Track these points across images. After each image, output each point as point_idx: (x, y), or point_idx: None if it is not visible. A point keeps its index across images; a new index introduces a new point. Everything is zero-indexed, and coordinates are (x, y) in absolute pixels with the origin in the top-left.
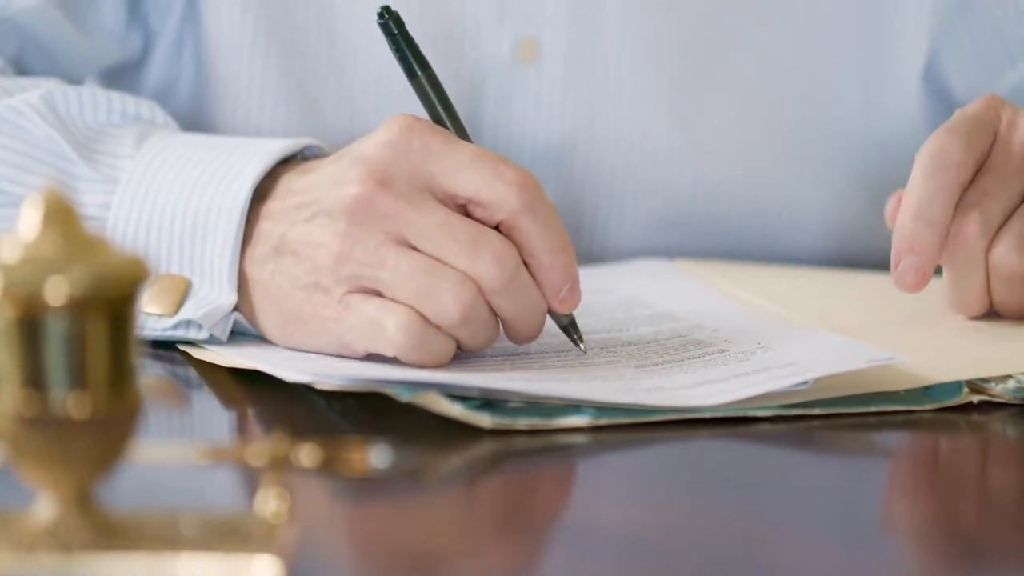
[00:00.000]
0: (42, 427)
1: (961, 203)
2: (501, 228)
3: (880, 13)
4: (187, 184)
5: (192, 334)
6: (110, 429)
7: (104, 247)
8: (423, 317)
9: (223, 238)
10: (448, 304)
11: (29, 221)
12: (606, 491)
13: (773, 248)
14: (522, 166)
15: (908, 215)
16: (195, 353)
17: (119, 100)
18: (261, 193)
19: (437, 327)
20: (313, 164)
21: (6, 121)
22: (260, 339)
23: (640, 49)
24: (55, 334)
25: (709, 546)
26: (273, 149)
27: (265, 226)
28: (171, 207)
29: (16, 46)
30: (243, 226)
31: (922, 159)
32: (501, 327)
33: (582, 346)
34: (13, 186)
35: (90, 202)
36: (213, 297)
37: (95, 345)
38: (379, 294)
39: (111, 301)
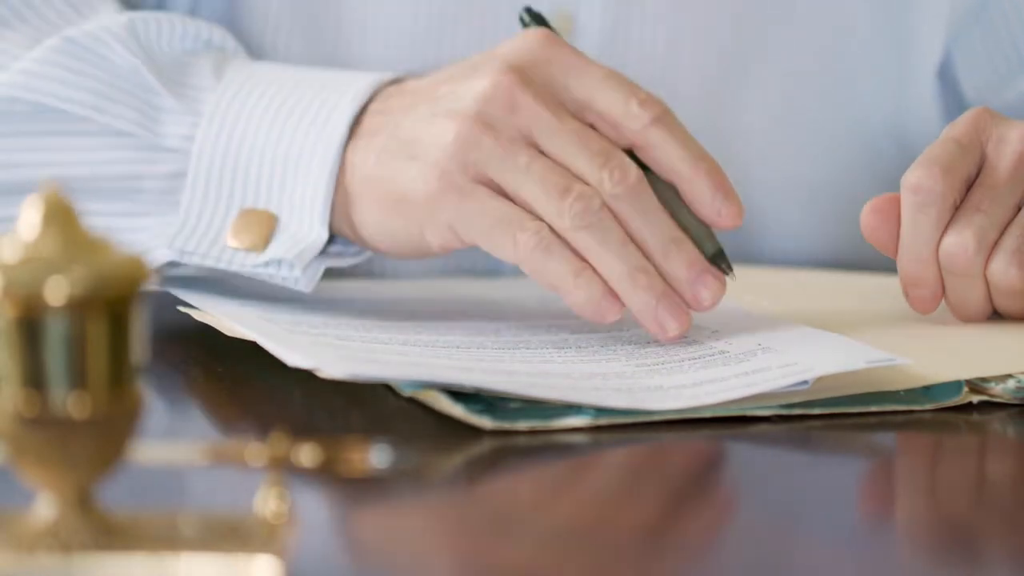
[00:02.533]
0: (42, 427)
1: (956, 220)
2: (635, 149)
3: (898, 10)
4: (277, 120)
5: (284, 273)
6: (110, 429)
7: (104, 247)
8: (551, 230)
9: (317, 173)
10: (574, 204)
11: (29, 221)
12: (606, 491)
13: (786, 241)
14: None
15: (902, 254)
16: (195, 315)
17: (193, 25)
18: (355, 125)
19: (562, 241)
20: (414, 81)
21: (87, 50)
22: (266, 309)
23: (674, 30)
24: (55, 334)
25: (709, 545)
26: (364, 84)
27: (375, 119)
28: (260, 145)
29: None
30: (339, 162)
31: (905, 192)
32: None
33: (731, 275)
34: (98, 114)
35: (173, 133)
36: (304, 233)
37: (95, 345)
38: (498, 187)
39: (111, 301)
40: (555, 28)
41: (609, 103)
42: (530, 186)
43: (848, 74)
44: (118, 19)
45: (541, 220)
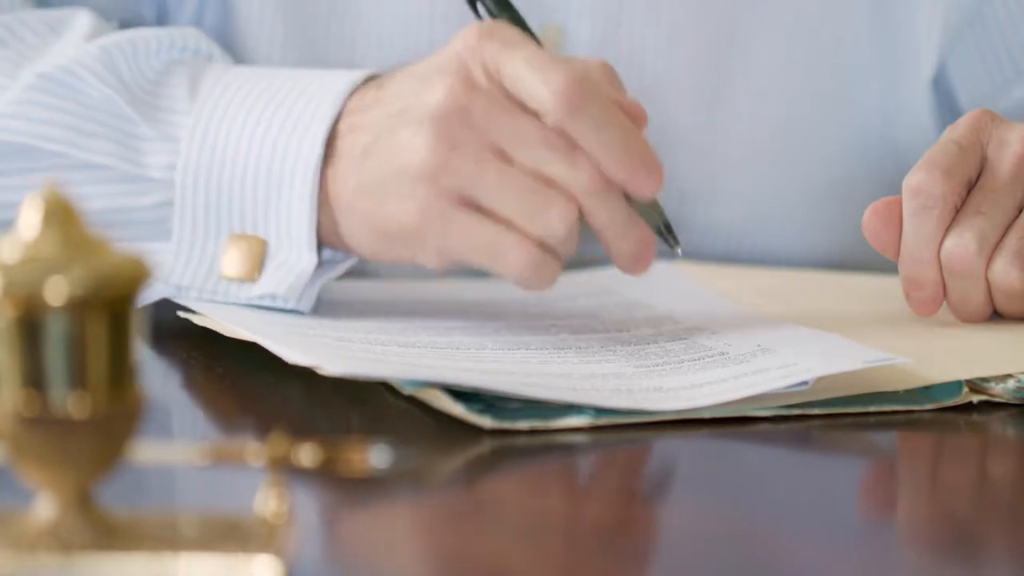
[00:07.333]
0: (42, 427)
1: (957, 222)
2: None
3: (894, 16)
4: (255, 136)
5: (279, 304)
6: (110, 429)
7: (104, 247)
8: (536, 241)
9: (299, 196)
10: (554, 221)
11: (29, 221)
12: (606, 491)
13: (786, 243)
14: (578, 61)
15: (904, 256)
16: (196, 319)
17: (166, 36)
18: (342, 109)
19: (547, 248)
20: (384, 80)
21: (61, 84)
22: (265, 310)
23: (665, 39)
24: (55, 334)
25: (709, 545)
26: (339, 88)
27: (347, 142)
28: (240, 164)
29: None
30: (317, 185)
31: (907, 195)
32: None
33: (678, 249)
34: (76, 150)
35: (155, 163)
36: (293, 261)
37: (95, 345)
38: (477, 204)
39: (111, 301)
40: (546, 34)
41: (529, 95)
42: (507, 204)
43: (843, 82)
44: (91, 49)
45: (527, 238)
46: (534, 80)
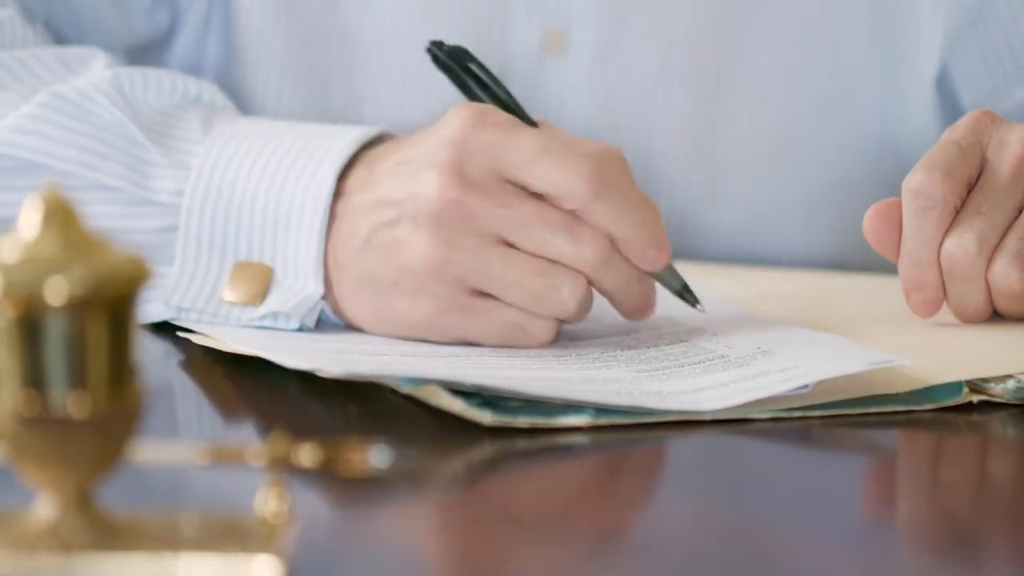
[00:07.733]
0: (42, 427)
1: (957, 223)
2: (579, 213)
3: (895, 19)
4: (265, 174)
5: (281, 324)
6: (110, 429)
7: (104, 247)
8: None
9: (307, 232)
10: (566, 300)
11: (29, 221)
12: (606, 492)
13: (787, 244)
14: (592, 145)
15: (904, 258)
16: (195, 339)
17: (181, 81)
18: (338, 188)
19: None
20: (379, 156)
21: (75, 105)
22: (265, 330)
23: (666, 44)
24: (55, 334)
25: (709, 546)
26: (348, 141)
27: (345, 226)
28: (249, 198)
29: (45, 11)
30: (327, 221)
31: (907, 196)
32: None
33: (699, 307)
34: (86, 171)
35: (162, 188)
36: (299, 287)
37: (95, 345)
38: (488, 293)
39: (111, 301)
40: (548, 38)
41: (545, 182)
42: (515, 291)
43: (843, 86)
44: (104, 74)
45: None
46: (552, 168)
